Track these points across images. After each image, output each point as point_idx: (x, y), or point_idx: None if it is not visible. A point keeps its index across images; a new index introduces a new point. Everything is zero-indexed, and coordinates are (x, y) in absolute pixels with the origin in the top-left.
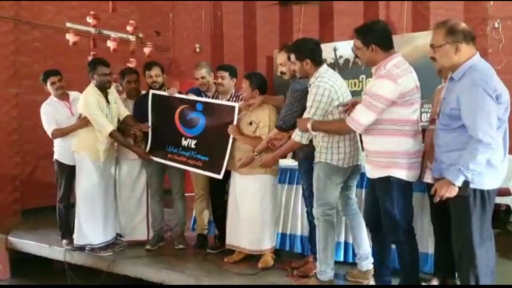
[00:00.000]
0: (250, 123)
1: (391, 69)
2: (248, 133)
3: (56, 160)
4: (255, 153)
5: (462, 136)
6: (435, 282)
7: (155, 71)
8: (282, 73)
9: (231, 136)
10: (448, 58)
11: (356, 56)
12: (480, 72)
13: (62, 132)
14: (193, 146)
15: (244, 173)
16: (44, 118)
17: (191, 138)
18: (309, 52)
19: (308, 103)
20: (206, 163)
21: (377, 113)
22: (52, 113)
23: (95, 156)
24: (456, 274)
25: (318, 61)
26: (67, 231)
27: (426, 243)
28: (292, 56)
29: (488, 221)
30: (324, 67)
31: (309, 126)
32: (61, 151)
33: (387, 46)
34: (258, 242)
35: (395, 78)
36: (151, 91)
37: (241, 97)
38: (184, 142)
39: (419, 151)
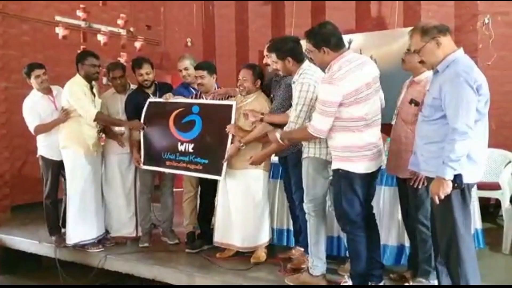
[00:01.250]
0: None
1: (334, 72)
2: (245, 126)
3: (41, 156)
4: (241, 144)
5: (443, 128)
6: (408, 275)
7: (146, 69)
8: (266, 64)
9: (230, 136)
10: (434, 55)
11: (310, 58)
12: (462, 64)
13: (46, 128)
14: (190, 150)
15: (236, 168)
16: (27, 113)
17: (188, 142)
18: (290, 50)
19: (294, 101)
20: (206, 166)
21: (331, 116)
22: (35, 108)
23: (83, 151)
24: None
25: (299, 58)
26: (56, 227)
27: (393, 235)
28: (274, 56)
29: (470, 215)
30: (306, 63)
31: (278, 136)
32: (45, 146)
33: (337, 47)
34: (251, 238)
35: (335, 81)
36: (149, 100)
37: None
38: (181, 147)
39: (371, 143)
